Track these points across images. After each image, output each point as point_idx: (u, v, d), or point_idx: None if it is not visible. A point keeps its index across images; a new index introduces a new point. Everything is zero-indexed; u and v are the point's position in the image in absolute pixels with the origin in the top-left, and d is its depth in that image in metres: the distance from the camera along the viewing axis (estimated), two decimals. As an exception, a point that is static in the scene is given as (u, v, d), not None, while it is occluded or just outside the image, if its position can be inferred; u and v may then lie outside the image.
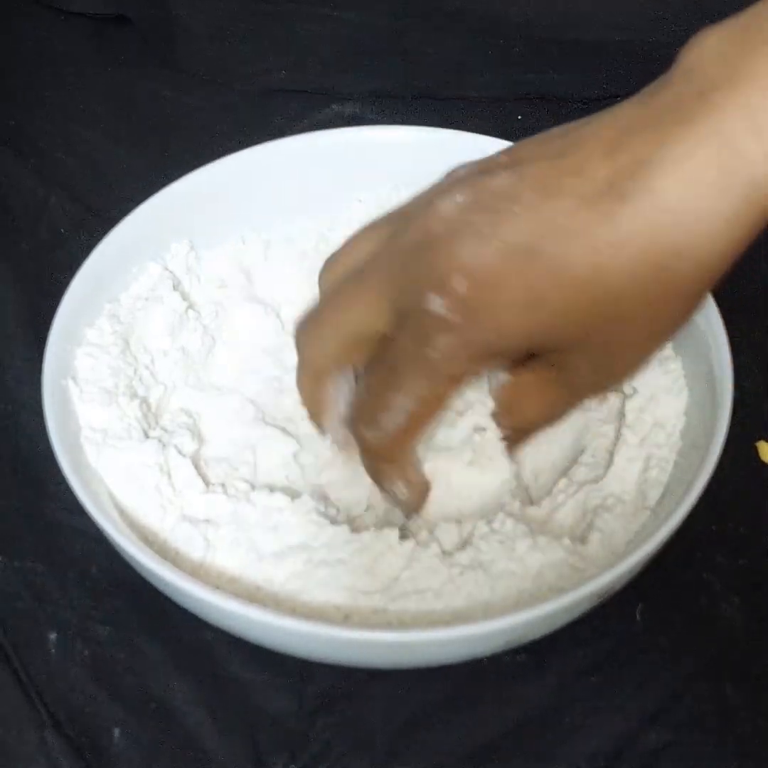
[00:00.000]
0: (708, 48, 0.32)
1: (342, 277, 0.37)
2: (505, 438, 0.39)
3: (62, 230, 0.53)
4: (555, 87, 0.58)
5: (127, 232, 0.45)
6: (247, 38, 0.59)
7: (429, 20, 0.58)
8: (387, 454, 0.37)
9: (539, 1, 0.57)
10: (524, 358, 0.37)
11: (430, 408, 0.36)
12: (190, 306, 0.46)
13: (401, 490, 0.38)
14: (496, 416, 0.39)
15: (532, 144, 0.35)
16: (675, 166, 0.31)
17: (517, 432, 0.39)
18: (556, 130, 0.35)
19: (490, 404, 0.40)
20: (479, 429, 0.40)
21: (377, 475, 0.38)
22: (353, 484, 0.40)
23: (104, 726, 0.37)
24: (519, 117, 0.58)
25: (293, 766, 0.37)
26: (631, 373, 0.37)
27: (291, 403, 0.44)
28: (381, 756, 0.37)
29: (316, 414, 0.40)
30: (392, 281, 0.35)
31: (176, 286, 0.46)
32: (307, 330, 0.38)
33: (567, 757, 0.36)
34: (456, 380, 0.35)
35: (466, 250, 0.33)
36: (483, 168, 0.35)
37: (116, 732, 0.37)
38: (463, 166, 0.36)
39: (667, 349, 0.42)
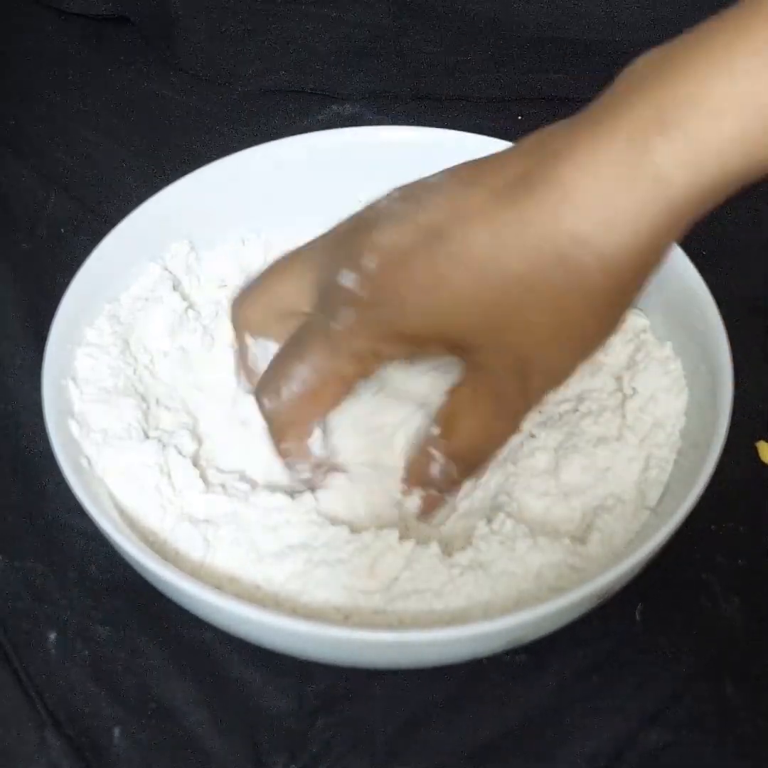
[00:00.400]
0: (634, 69, 0.33)
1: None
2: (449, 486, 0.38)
3: (62, 230, 0.53)
4: (555, 87, 0.58)
5: (127, 232, 0.45)
6: (247, 38, 0.59)
7: (429, 20, 0.58)
8: (283, 427, 0.38)
9: (539, 1, 0.57)
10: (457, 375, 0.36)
11: (329, 384, 0.36)
12: (190, 306, 0.46)
13: (301, 468, 0.39)
14: (438, 444, 0.37)
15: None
16: (583, 159, 0.32)
17: (461, 464, 0.37)
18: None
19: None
20: None
21: (280, 452, 0.39)
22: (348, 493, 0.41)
23: (104, 726, 0.37)
24: (519, 117, 0.58)
25: (293, 766, 0.37)
26: (554, 378, 0.36)
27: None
28: (381, 756, 0.37)
29: (241, 372, 0.41)
30: (319, 261, 0.37)
31: (176, 287, 0.46)
32: (240, 295, 0.40)
33: (567, 757, 0.36)
34: (358, 359, 0.36)
35: (383, 232, 0.34)
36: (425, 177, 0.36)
37: (116, 732, 0.37)
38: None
39: (667, 349, 0.42)
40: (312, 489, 0.39)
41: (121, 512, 0.39)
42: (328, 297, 0.36)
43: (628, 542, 0.38)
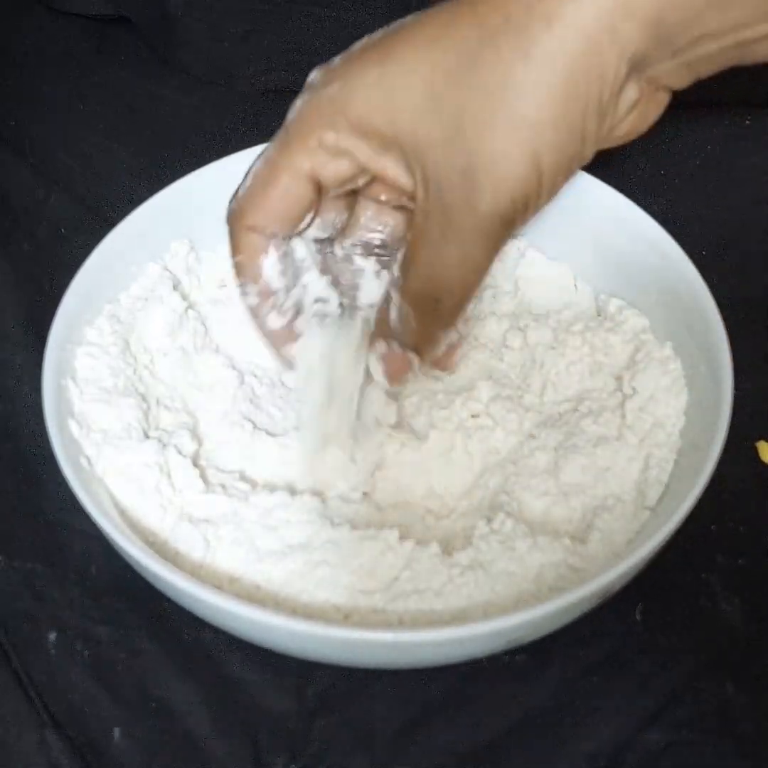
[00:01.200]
0: None
1: None
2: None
3: (62, 230, 0.53)
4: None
5: (127, 232, 0.45)
6: (247, 38, 0.59)
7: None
8: (238, 231, 0.38)
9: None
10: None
11: (281, 177, 0.37)
12: (190, 306, 0.46)
13: (248, 291, 0.40)
14: (396, 286, 0.37)
15: None
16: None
17: (418, 303, 0.37)
18: None
19: (486, 391, 0.41)
20: (474, 415, 0.41)
21: (234, 267, 0.40)
22: (344, 474, 0.41)
23: (104, 726, 0.37)
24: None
25: (293, 766, 0.37)
26: (497, 194, 0.34)
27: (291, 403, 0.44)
28: (381, 756, 0.37)
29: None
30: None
31: (176, 286, 0.46)
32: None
33: (567, 757, 0.36)
34: (307, 149, 0.36)
35: (357, 44, 0.36)
36: None
37: (116, 732, 0.37)
38: None
39: (667, 349, 0.42)
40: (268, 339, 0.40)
41: (121, 512, 0.39)
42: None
43: (628, 542, 0.38)
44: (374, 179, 0.38)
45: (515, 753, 0.37)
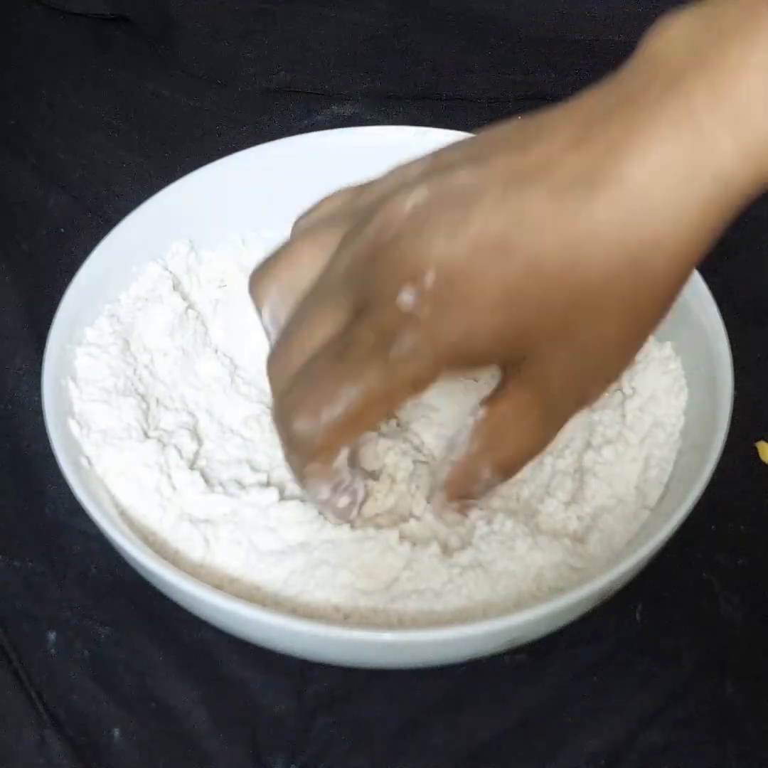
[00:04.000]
0: (674, 35, 0.31)
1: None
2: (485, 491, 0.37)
3: (62, 230, 0.53)
4: (555, 87, 0.58)
5: (127, 232, 0.45)
6: (247, 38, 0.59)
7: (429, 20, 0.58)
8: (317, 451, 0.35)
9: (538, 1, 0.57)
10: (494, 385, 0.35)
11: (375, 409, 0.34)
12: (190, 306, 0.46)
13: (322, 490, 0.37)
14: (483, 458, 0.35)
15: (492, 136, 0.34)
16: (644, 153, 0.30)
17: (506, 475, 0.36)
18: (516, 122, 0.34)
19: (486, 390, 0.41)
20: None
21: (303, 476, 0.36)
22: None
23: (104, 726, 0.37)
24: (519, 117, 0.58)
25: (293, 766, 0.37)
26: (612, 377, 0.35)
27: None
28: (381, 756, 0.37)
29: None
30: (356, 273, 0.34)
31: (176, 286, 0.46)
32: (258, 269, 0.38)
33: (567, 757, 0.36)
34: (412, 384, 0.33)
35: (437, 244, 0.31)
36: (439, 164, 0.34)
37: (116, 732, 0.37)
38: (411, 163, 0.35)
39: (667, 349, 0.42)
40: (337, 520, 0.38)
41: (121, 512, 0.39)
42: (381, 315, 0.33)
43: (628, 542, 0.38)
44: None
45: (515, 753, 0.37)
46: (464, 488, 0.36)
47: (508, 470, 0.36)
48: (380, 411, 0.34)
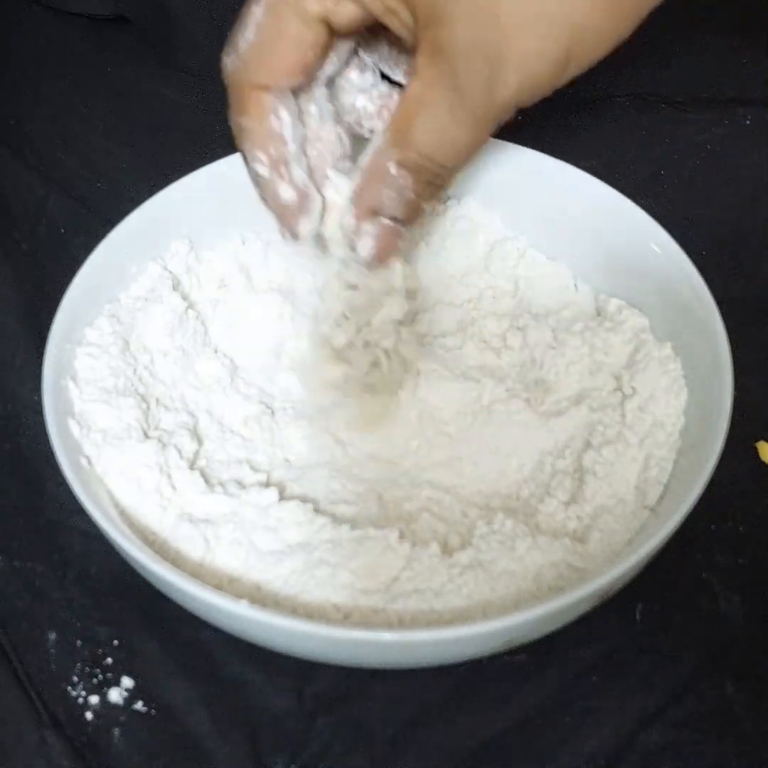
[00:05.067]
0: None
1: None
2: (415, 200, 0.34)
3: (62, 230, 0.53)
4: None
5: (127, 232, 0.45)
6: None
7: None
8: (242, 90, 0.34)
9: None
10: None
11: (290, 27, 0.33)
12: (190, 306, 0.46)
13: (259, 158, 0.35)
14: (388, 154, 0.33)
15: None
16: None
17: (417, 176, 0.34)
18: None
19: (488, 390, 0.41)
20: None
21: (238, 131, 0.35)
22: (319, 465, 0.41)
23: (104, 726, 0.37)
24: (519, 117, 0.58)
25: (293, 766, 0.37)
26: (521, 84, 0.32)
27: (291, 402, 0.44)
28: (381, 756, 0.37)
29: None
30: None
31: (176, 286, 0.46)
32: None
33: (567, 757, 0.36)
34: None
35: None
36: None
37: (116, 732, 0.37)
38: None
39: (667, 349, 0.42)
40: (285, 229, 0.36)
41: (121, 512, 0.39)
42: None
43: (628, 542, 0.38)
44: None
45: (515, 753, 0.37)
46: (374, 197, 0.34)
47: (417, 170, 0.33)
48: (297, 29, 0.33)
